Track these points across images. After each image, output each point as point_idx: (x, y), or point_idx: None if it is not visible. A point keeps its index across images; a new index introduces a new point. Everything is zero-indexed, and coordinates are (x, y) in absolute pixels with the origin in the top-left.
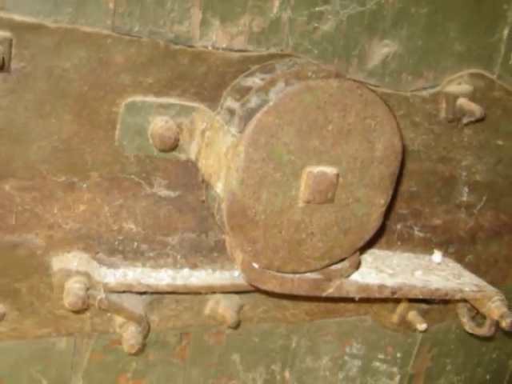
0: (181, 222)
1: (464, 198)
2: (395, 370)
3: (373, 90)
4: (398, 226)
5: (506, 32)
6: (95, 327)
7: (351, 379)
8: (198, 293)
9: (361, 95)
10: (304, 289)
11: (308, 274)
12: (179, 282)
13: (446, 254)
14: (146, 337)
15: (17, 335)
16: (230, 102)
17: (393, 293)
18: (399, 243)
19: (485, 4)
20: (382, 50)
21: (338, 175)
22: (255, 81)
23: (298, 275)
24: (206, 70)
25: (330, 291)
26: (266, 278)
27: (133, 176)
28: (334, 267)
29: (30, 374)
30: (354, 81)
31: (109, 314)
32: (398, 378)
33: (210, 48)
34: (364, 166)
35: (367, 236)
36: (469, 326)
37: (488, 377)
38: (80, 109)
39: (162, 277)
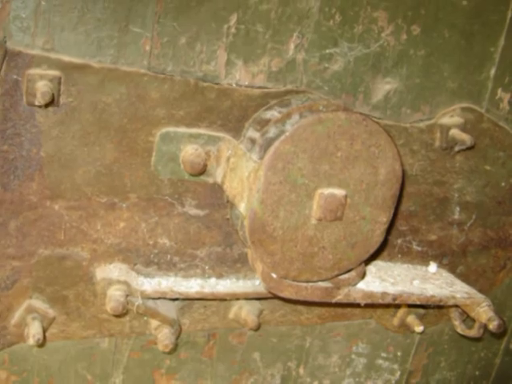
0: (208, 237)
1: (456, 217)
2: (396, 366)
3: (376, 122)
4: (399, 241)
5: (492, 71)
6: (133, 329)
7: (357, 375)
8: (224, 299)
9: (366, 126)
10: (316, 296)
11: (320, 283)
12: (207, 289)
13: (440, 265)
14: (177, 337)
15: (65, 336)
16: (251, 133)
17: (394, 299)
18: (399, 256)
19: (474, 47)
20: (384, 86)
21: (346, 196)
22: (273, 114)
23: (311, 284)
24: (231, 104)
25: (339, 298)
26: (283, 286)
27: (166, 197)
28: (342, 277)
29: (77, 370)
30: (360, 114)
31: (145, 318)
32: (398, 373)
33: (234, 85)
34: (369, 188)
35: (372, 250)
36: (460, 328)
37: (477, 373)
38: (120, 138)
39: (192, 285)
